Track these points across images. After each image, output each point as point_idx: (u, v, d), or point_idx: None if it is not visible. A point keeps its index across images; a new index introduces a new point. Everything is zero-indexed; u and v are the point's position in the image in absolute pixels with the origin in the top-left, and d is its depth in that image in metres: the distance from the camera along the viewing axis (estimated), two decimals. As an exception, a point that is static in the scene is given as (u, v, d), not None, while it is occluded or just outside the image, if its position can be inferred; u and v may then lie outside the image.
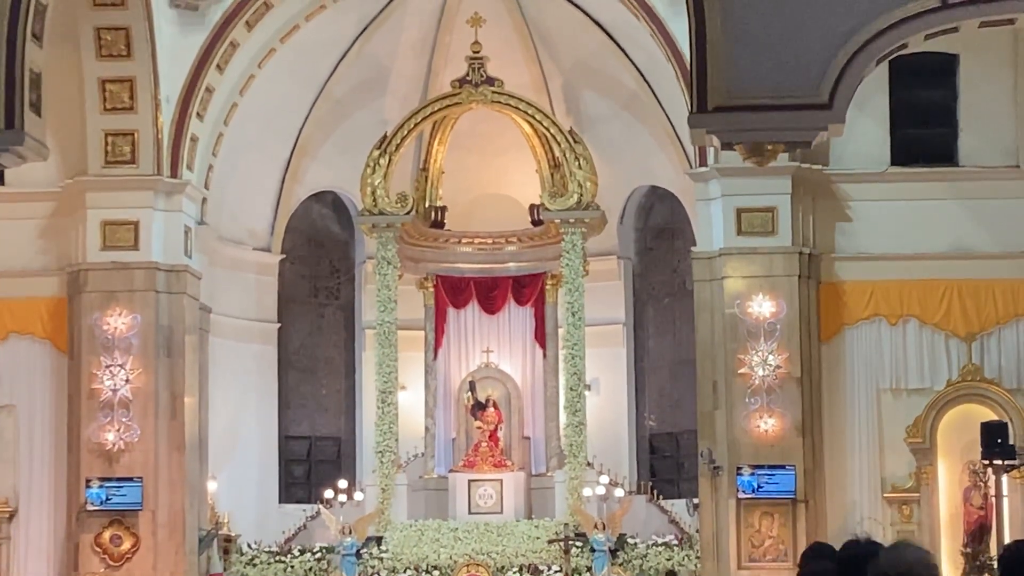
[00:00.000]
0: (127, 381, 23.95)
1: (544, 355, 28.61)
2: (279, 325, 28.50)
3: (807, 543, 21.60)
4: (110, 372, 23.95)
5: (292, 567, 26.27)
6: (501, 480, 27.51)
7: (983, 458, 22.09)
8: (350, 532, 25.86)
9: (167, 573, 23.92)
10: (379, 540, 26.08)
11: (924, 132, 24.18)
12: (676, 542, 25.55)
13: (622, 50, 26.42)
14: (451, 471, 27.92)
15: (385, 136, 27.02)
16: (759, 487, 23.24)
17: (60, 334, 24.42)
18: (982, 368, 23.71)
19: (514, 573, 25.50)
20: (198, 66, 24.11)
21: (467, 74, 27.06)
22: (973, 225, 23.77)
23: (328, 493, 26.99)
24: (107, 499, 23.71)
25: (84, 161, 24.04)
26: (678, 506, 26.57)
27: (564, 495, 26.57)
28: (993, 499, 22.41)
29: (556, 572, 25.26)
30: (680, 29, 20.04)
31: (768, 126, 17.83)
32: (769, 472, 23.24)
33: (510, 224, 28.66)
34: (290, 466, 28.68)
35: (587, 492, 26.23)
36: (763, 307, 23.57)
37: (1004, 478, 22.08)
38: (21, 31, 18.14)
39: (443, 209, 28.67)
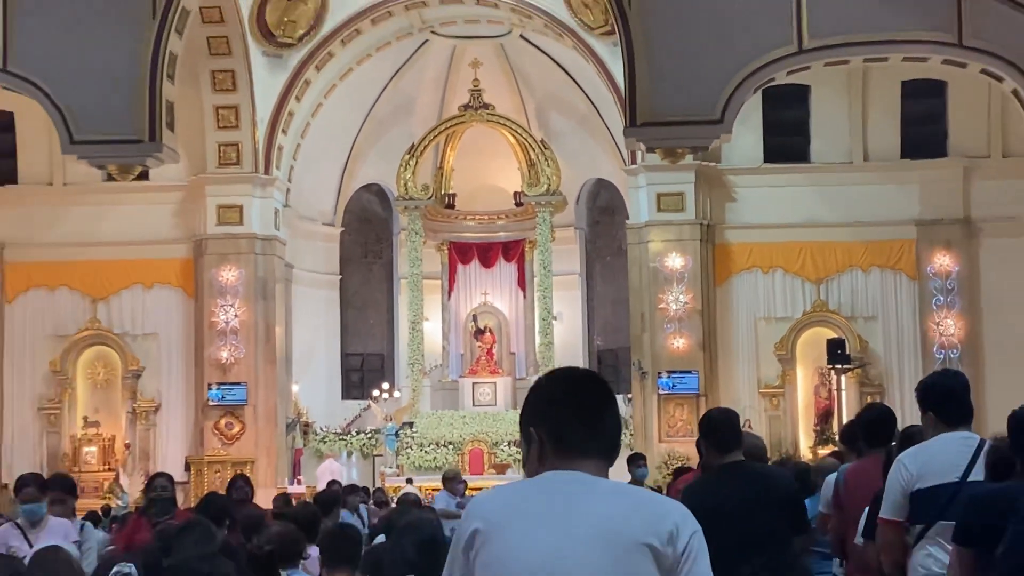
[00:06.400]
0: (235, 316, 24.05)
1: (524, 296, 28.75)
2: (340, 277, 28.60)
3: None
4: (224, 310, 24.04)
5: (351, 443, 26.45)
6: (495, 383, 27.66)
7: (828, 363, 22.29)
8: (391, 419, 26.03)
9: (264, 448, 24.10)
10: (411, 424, 26.24)
11: (787, 139, 24.22)
12: (616, 424, 25.73)
13: (577, 84, 26.44)
14: (460, 377, 28.09)
15: (413, 145, 27.08)
16: (673, 386, 23.38)
17: (188, 284, 24.49)
18: (826, 303, 23.83)
19: (504, 446, 25.64)
20: (282, 97, 24.13)
21: (469, 101, 27.11)
22: (820, 204, 23.84)
23: (375, 392, 27.15)
24: (223, 398, 23.85)
25: (204, 163, 24.07)
26: (618, 400, 26.75)
27: (539, 392, 26.69)
28: (835, 392, 22.59)
29: (534, 445, 25.49)
30: (617, 69, 20.00)
31: (678, 136, 17.86)
32: (680, 376, 23.36)
33: (500, 205, 28.74)
34: (349, 374, 28.84)
35: (555, 390, 26.36)
36: (675, 262, 23.65)
37: (843, 378, 22.27)
38: (160, 73, 18.12)
39: (454, 195, 28.75)
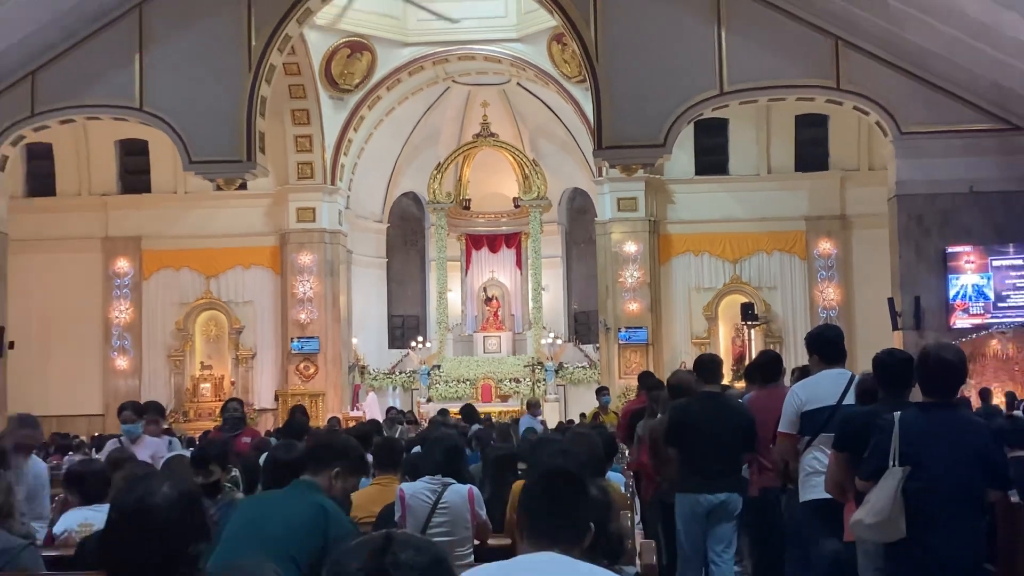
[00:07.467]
0: (311, 289, 24.03)
1: (521, 273, 28.66)
2: (387, 260, 28.54)
3: (651, 367, 21.77)
4: (302, 284, 24.02)
5: (395, 380, 26.46)
6: (500, 336, 27.65)
7: (742, 321, 22.32)
8: (424, 362, 26.03)
9: (332, 384, 24.09)
10: (439, 366, 26.25)
11: (712, 157, 24.13)
12: (588, 366, 25.78)
13: (559, 118, 26.35)
14: (475, 332, 28.06)
15: (439, 163, 26.96)
16: (629, 338, 23.35)
17: (276, 265, 24.43)
18: (740, 276, 23.79)
19: (507, 382, 25.68)
20: (343, 128, 24.06)
21: (480, 131, 26.98)
22: (736, 205, 23.78)
23: (413, 343, 27.15)
24: (302, 348, 23.84)
25: (287, 177, 24.01)
26: (588, 349, 26.77)
27: (532, 343, 26.71)
28: (747, 342, 22.65)
29: (528, 382, 25.49)
30: (588, 107, 20.00)
31: (633, 156, 17.86)
32: (634, 330, 23.35)
33: (503, 207, 28.61)
34: (393, 330, 28.75)
35: (544, 341, 26.36)
36: (631, 248, 23.62)
37: (752, 331, 22.30)
38: (254, 112, 18.14)
39: (469, 200, 28.59)
